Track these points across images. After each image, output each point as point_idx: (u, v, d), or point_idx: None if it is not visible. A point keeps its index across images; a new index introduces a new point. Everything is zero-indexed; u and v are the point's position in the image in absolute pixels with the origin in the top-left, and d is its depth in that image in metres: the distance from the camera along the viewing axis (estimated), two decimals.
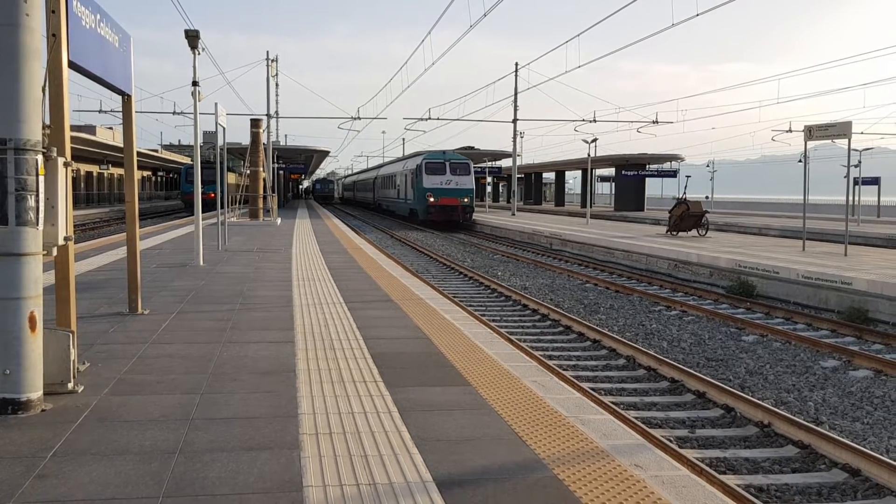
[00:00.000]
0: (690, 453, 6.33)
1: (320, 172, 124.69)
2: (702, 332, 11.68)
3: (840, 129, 18.47)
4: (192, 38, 13.82)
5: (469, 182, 39.40)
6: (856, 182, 42.90)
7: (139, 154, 52.52)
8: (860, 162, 42.73)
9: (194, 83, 13.90)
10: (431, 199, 38.55)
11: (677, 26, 17.85)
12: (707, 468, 5.84)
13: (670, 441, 6.64)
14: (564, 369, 9.33)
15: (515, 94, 46.17)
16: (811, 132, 19.15)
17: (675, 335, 11.51)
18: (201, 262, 13.80)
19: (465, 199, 38.86)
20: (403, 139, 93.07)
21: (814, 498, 5.68)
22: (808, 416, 7.62)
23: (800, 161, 28.45)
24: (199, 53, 14.03)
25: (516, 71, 45.92)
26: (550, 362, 9.48)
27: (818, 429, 6.75)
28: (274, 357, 6.42)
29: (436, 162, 39.84)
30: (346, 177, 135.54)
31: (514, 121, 46.29)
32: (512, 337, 10.88)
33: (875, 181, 46.73)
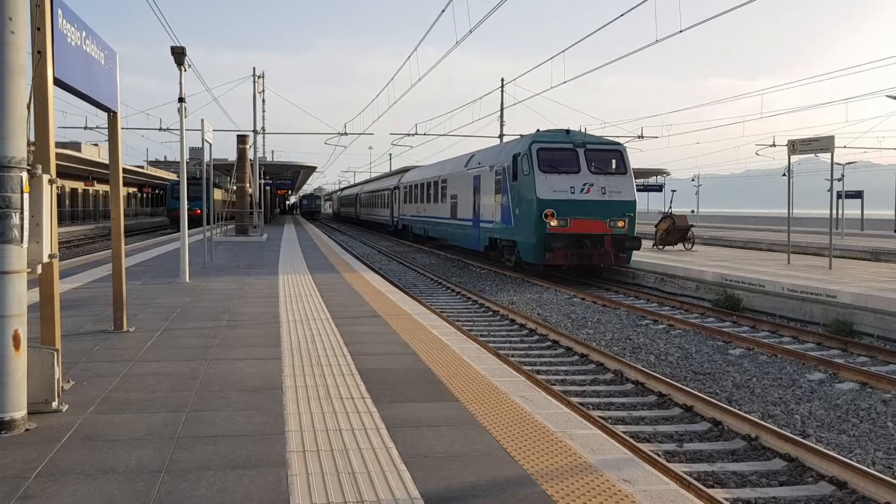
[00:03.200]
0: (679, 467, 6.33)
1: (307, 188, 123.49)
2: (689, 345, 11.72)
3: (823, 144, 18.65)
4: (179, 54, 13.82)
5: (628, 188, 21.15)
6: (839, 196, 43.32)
7: (125, 170, 52.44)
8: (843, 176, 43.16)
9: (180, 99, 13.89)
10: (555, 223, 20.02)
11: (661, 42, 18.02)
12: (695, 482, 5.85)
13: (658, 455, 6.64)
14: (552, 384, 9.32)
15: (501, 109, 46.42)
16: (795, 146, 19.33)
17: (662, 349, 11.54)
18: (187, 279, 13.73)
19: (620, 223, 20.47)
20: (391, 154, 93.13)
21: None
22: (794, 429, 7.65)
23: (784, 175, 28.69)
24: (185, 70, 14.02)
25: (502, 87, 46.19)
26: (538, 377, 9.48)
27: (805, 441, 6.78)
28: (261, 374, 6.39)
29: (559, 148, 21.20)
30: (342, 189, 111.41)
31: (501, 136, 46.48)
32: (500, 352, 10.88)
33: (858, 195, 47.19)
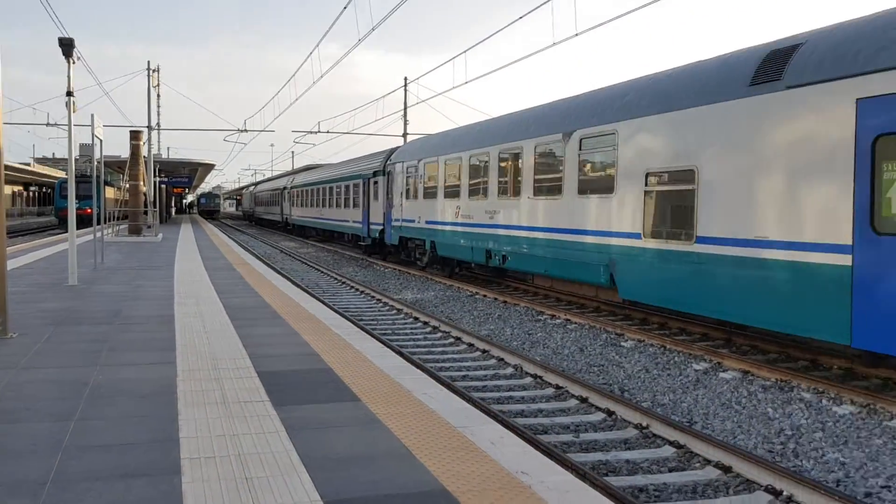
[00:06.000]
0: (575, 457, 6.54)
1: (205, 186, 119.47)
2: (584, 339, 12.09)
3: None
4: (67, 46, 13.18)
5: None
6: None
7: (9, 168, 49.45)
8: None
9: (69, 93, 13.26)
10: None
11: (558, 45, 18.45)
12: (590, 472, 6.05)
13: (556, 446, 6.83)
14: (455, 380, 9.44)
15: (405, 108, 46.43)
16: None
17: (559, 343, 11.86)
18: (76, 281, 13.12)
19: None
20: (293, 152, 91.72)
21: (690, 496, 5.97)
22: (682, 416, 8.02)
23: None
24: (73, 62, 13.39)
25: (405, 85, 46.22)
26: (441, 374, 9.58)
27: (692, 429, 7.12)
28: (154, 379, 6.19)
29: None
30: (257, 183, 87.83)
31: (405, 135, 46.52)
32: (403, 350, 10.92)
33: None
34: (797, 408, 8.11)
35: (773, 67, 9.52)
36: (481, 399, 8.45)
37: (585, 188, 13.48)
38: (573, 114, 14.22)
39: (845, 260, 8.30)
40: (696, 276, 10.52)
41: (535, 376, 9.64)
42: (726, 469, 6.38)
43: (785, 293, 9.08)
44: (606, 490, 5.64)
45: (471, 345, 11.70)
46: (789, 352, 10.52)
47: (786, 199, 9.15)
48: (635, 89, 12.62)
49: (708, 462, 6.57)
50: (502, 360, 10.62)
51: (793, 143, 9.08)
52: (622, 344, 11.65)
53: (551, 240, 14.57)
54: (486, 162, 17.50)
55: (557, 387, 9.09)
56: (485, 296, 17.47)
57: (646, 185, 11.67)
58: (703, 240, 10.40)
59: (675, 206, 11.10)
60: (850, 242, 8.26)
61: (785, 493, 5.79)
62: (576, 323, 13.56)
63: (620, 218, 12.32)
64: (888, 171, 7.95)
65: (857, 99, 8.23)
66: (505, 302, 16.40)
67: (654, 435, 7.30)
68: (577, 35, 16.05)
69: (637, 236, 11.84)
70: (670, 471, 6.51)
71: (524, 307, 15.57)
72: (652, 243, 11.50)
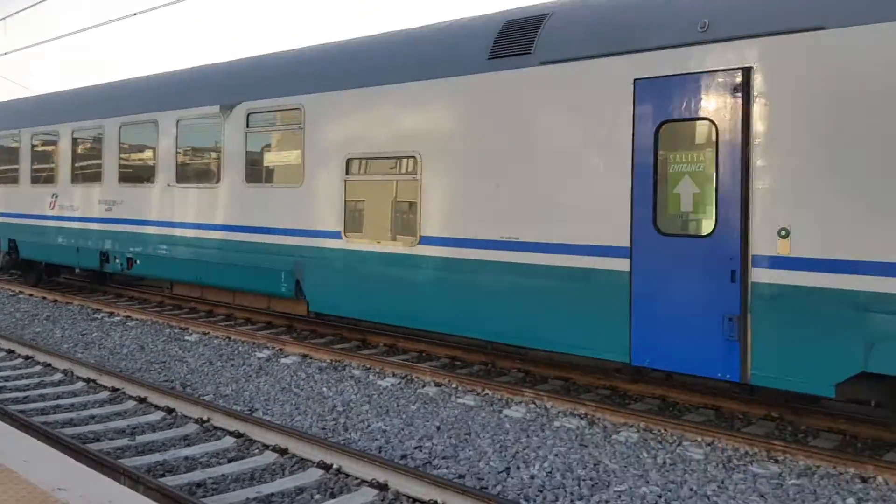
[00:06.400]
0: (129, 462, 6.24)
1: None
2: (145, 336, 11.57)
3: None
4: None
5: None
6: None
7: None
8: None
9: None
10: None
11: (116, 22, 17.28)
12: (144, 475, 5.83)
13: (107, 454, 6.44)
14: None
15: None
16: None
17: (117, 342, 11.18)
18: None
19: None
20: None
21: (247, 483, 6.12)
22: (244, 406, 8.18)
23: None
24: None
25: None
26: None
27: (252, 417, 7.32)
28: None
29: None
30: None
31: None
32: None
33: None
34: (348, 385, 8.84)
35: (518, 39, 8.07)
36: (20, 412, 7.56)
37: (259, 175, 10.90)
38: (238, 81, 11.49)
39: (622, 265, 7.16)
40: (421, 284, 8.79)
41: (87, 380, 8.94)
42: (283, 451, 6.67)
43: (544, 304, 7.72)
44: (160, 491, 5.49)
45: (11, 351, 10.39)
46: (343, 333, 11.41)
47: (545, 193, 7.72)
48: (330, 56, 10.40)
49: (266, 447, 6.81)
50: (49, 365, 9.64)
51: (550, 127, 7.70)
52: (186, 338, 11.42)
53: (207, 239, 11.56)
54: (101, 138, 13.69)
55: (113, 389, 8.56)
56: (31, 295, 15.62)
57: (347, 173, 9.55)
58: (429, 240, 8.67)
59: (390, 200, 9.24)
60: (627, 245, 7.13)
61: (335, 465, 6.28)
62: (137, 319, 12.89)
63: (311, 213, 10.00)
64: (675, 163, 6.93)
65: (636, 80, 7.08)
66: (55, 301, 14.86)
67: (216, 427, 7.31)
68: (127, 17, 15.21)
69: (336, 235, 9.66)
70: (230, 461, 6.59)
71: (78, 306, 14.29)
72: (358, 244, 9.45)
